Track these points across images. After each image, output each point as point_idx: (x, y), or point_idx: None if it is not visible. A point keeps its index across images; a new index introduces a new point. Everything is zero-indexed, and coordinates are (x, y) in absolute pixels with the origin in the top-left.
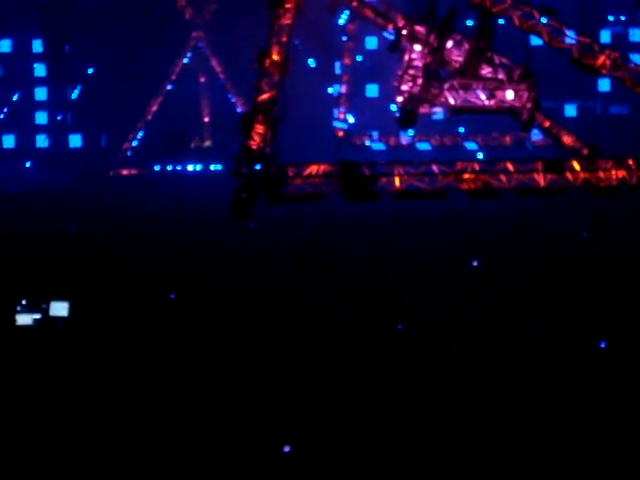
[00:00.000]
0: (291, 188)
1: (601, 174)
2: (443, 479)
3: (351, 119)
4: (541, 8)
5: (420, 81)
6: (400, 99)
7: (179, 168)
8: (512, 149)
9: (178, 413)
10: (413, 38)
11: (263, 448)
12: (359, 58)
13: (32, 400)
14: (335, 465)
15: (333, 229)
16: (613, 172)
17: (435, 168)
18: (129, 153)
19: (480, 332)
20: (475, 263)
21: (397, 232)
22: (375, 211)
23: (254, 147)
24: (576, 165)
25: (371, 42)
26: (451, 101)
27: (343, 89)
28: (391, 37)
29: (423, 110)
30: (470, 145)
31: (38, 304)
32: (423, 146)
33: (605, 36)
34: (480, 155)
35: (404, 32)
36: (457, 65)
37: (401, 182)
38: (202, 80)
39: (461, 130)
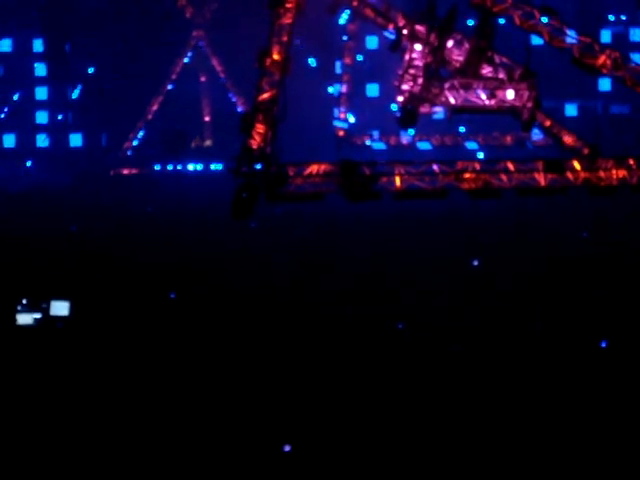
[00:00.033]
0: (291, 187)
1: (602, 174)
2: (443, 479)
3: (351, 119)
4: (542, 8)
5: (421, 80)
6: (401, 99)
7: (179, 167)
8: (513, 149)
9: (178, 412)
10: (414, 37)
11: (263, 447)
12: (360, 58)
13: (33, 399)
14: (335, 465)
15: (333, 229)
16: (614, 172)
17: (436, 168)
18: (129, 152)
19: (480, 332)
20: (475, 263)
21: (397, 232)
22: (375, 211)
23: (254, 146)
24: (577, 165)
25: (371, 42)
26: (452, 101)
27: (343, 89)
28: (392, 36)
29: (424, 110)
30: (471, 145)
31: (39, 303)
32: (424, 145)
33: (606, 36)
34: (481, 155)
35: (404, 31)
36: (458, 64)
37: (402, 182)
38: (202, 79)
39: (462, 130)
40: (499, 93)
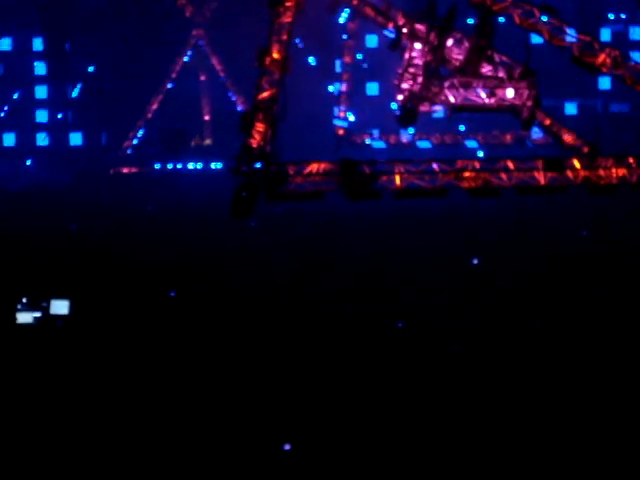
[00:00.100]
0: (291, 186)
1: (601, 172)
2: (443, 478)
3: (351, 117)
4: (541, 6)
5: (420, 79)
6: (400, 97)
7: (179, 166)
8: (512, 147)
9: (178, 411)
10: (413, 36)
11: (263, 446)
12: (359, 56)
13: (33, 398)
14: (335, 464)
15: (333, 227)
16: (613, 170)
17: (435, 166)
18: (129, 151)
19: (480, 330)
20: (475, 261)
21: (397, 230)
22: (375, 209)
23: (254, 145)
24: (576, 163)
25: (371, 40)
26: (451, 99)
27: (343, 87)
28: (391, 35)
29: (423, 108)
30: (470, 143)
31: (38, 302)
32: (423, 144)
33: (605, 34)
34: (480, 153)
35: (404, 30)
36: (457, 63)
37: (401, 180)
38: (202, 78)
39: (461, 128)
40: (499, 92)
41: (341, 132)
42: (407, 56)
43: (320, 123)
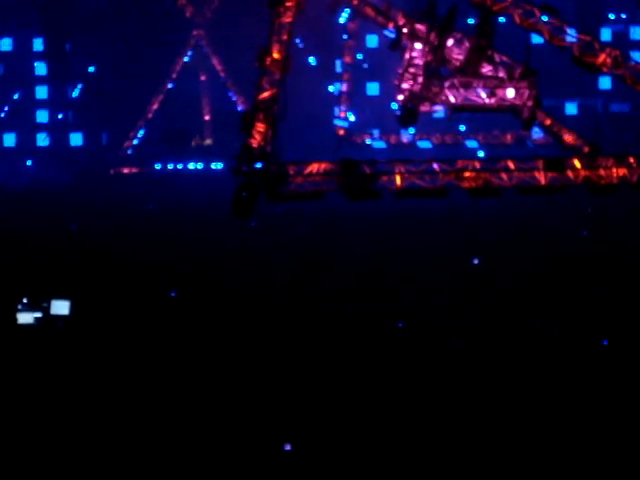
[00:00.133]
0: (292, 186)
1: (602, 172)
2: (444, 478)
3: (352, 117)
4: (542, 6)
5: (421, 79)
6: (401, 97)
7: (180, 167)
8: (513, 147)
9: (179, 411)
10: (414, 36)
11: (264, 446)
12: (360, 56)
13: (33, 399)
14: (336, 464)
15: (334, 227)
16: (614, 170)
17: (436, 166)
18: (130, 151)
19: (480, 330)
20: (476, 261)
21: (398, 230)
22: (376, 209)
23: (255, 145)
24: (577, 163)
25: (372, 40)
26: (452, 99)
27: (344, 87)
28: (392, 35)
29: (424, 108)
30: (471, 143)
31: (39, 303)
32: (424, 144)
33: (606, 34)
34: (481, 153)
35: (405, 30)
36: (458, 63)
37: (402, 180)
38: (203, 78)
39: (462, 128)
40: (499, 92)
41: (341, 132)
42: (407, 56)
43: (320, 123)
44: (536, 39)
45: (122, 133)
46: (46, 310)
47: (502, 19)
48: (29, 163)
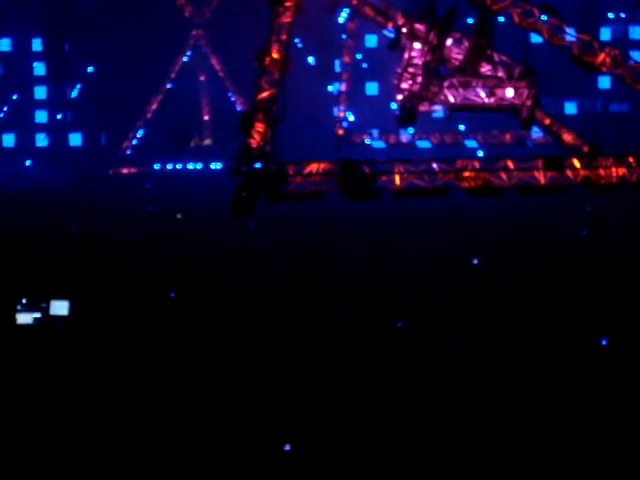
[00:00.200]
0: (291, 186)
1: (601, 172)
2: (444, 478)
3: (351, 117)
4: (541, 6)
5: (420, 79)
6: (400, 97)
7: (179, 167)
8: (512, 147)
9: (178, 411)
10: (413, 36)
11: (263, 446)
12: (359, 56)
13: (33, 399)
14: (336, 464)
15: (333, 227)
16: (613, 170)
17: (435, 166)
18: (129, 152)
19: (480, 330)
20: (475, 261)
21: (397, 230)
22: (375, 209)
23: (254, 145)
24: (576, 163)
25: (371, 40)
26: (451, 99)
27: (343, 87)
28: (391, 35)
29: (423, 108)
30: (470, 143)
31: (38, 303)
32: (423, 144)
33: (605, 34)
34: (480, 153)
35: (404, 30)
36: (457, 63)
37: (401, 180)
38: (202, 78)
39: (461, 128)
40: (498, 91)
41: (341, 132)
42: (407, 56)
43: (320, 123)
44: (535, 38)
45: (121, 133)
46: (45, 310)
47: (501, 18)
48: (28, 163)
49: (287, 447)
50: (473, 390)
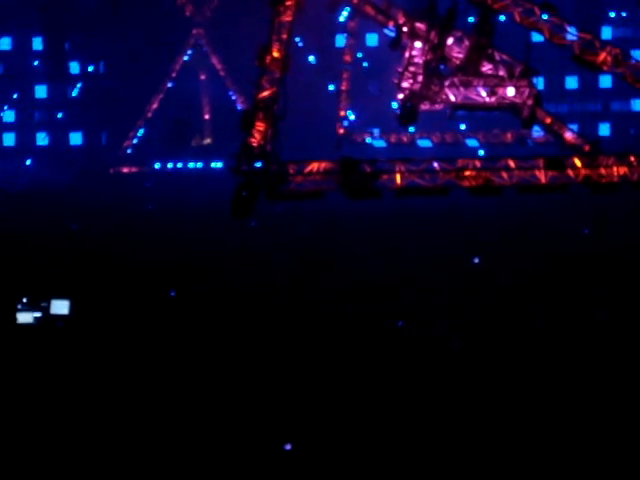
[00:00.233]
0: (292, 186)
1: (602, 171)
2: (444, 478)
3: (352, 116)
4: (542, 4)
5: (421, 78)
6: (401, 96)
7: (180, 166)
8: (513, 146)
9: (179, 411)
10: (414, 35)
11: (264, 446)
12: (359, 55)
13: (33, 398)
14: (336, 464)
15: (334, 227)
16: (614, 169)
17: (436, 165)
18: (129, 151)
19: (480, 330)
20: (476, 260)
21: (398, 229)
22: (376, 208)
23: (255, 144)
24: (577, 162)
25: (372, 39)
26: (452, 98)
27: (344, 86)
28: (392, 34)
29: (424, 107)
30: (471, 142)
31: (39, 302)
32: (424, 143)
33: (606, 33)
34: (481, 152)
35: (405, 29)
36: (458, 62)
37: (402, 179)
38: (202, 77)
39: (462, 127)
40: (499, 90)
41: (341, 131)
42: (407, 55)
43: (320, 122)
44: (536, 37)
45: (122, 132)
46: (46, 310)
47: (502, 17)
48: (28, 162)
49: (288, 447)
50: (473, 390)
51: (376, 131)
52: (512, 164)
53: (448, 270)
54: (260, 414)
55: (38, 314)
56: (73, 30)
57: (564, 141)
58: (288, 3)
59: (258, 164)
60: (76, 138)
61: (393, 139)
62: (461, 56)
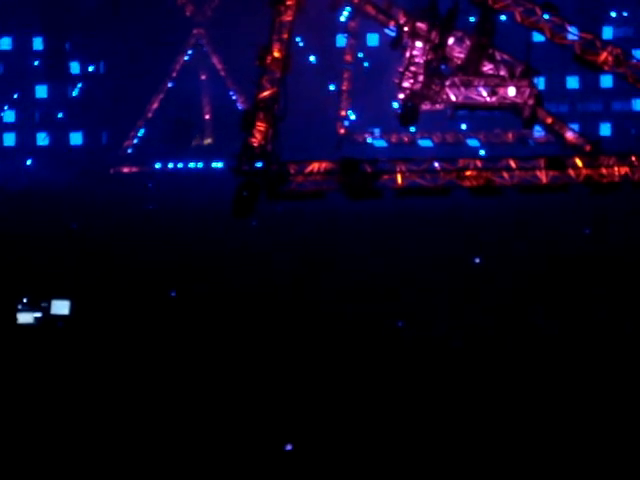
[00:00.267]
0: (292, 186)
1: (603, 171)
2: (444, 478)
3: (352, 116)
4: (543, 4)
5: (421, 78)
6: (402, 96)
7: (180, 166)
8: (514, 146)
9: (179, 411)
10: (414, 35)
11: (264, 446)
12: (360, 55)
13: (33, 399)
14: (336, 464)
15: (334, 227)
16: (616, 169)
17: (437, 165)
18: (130, 151)
19: (480, 330)
20: (477, 260)
21: (398, 229)
22: (376, 208)
23: (255, 144)
24: (578, 162)
25: (372, 39)
26: (452, 98)
27: (344, 86)
28: (392, 34)
29: (424, 107)
30: (472, 142)
31: (39, 302)
32: (425, 143)
33: (607, 33)
34: (482, 152)
35: (406, 29)
36: (459, 62)
37: (403, 179)
38: (203, 77)
39: (463, 127)
40: (500, 90)
41: (342, 131)
42: (408, 55)
43: (321, 122)
44: (537, 37)
45: (122, 132)
46: (46, 310)
47: (503, 17)
48: (29, 162)
49: (288, 447)
50: (473, 390)
51: (377, 131)
52: (513, 164)
53: (448, 270)
54: (260, 414)
55: (38, 314)
56: (73, 30)
57: (565, 141)
58: (289, 3)
59: (259, 164)
60: (76, 138)
61: (394, 139)
62: (462, 56)
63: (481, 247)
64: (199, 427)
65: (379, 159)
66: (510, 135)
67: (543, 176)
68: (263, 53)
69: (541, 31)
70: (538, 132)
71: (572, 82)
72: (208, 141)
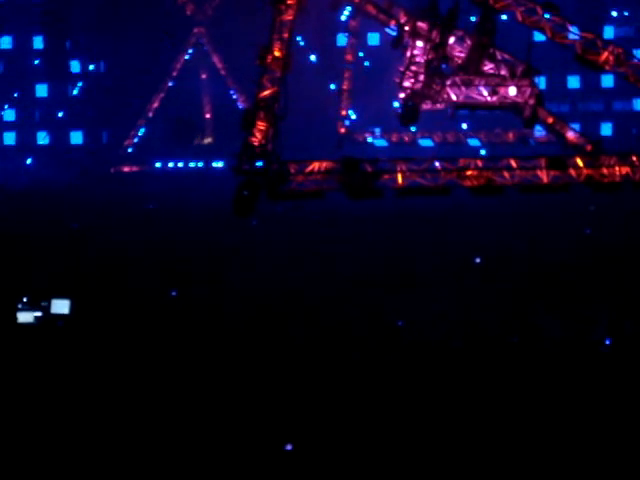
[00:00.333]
0: (293, 185)
1: (604, 170)
2: (444, 478)
3: (353, 116)
4: (544, 4)
5: (422, 77)
6: (402, 95)
7: (180, 165)
8: (515, 146)
9: (179, 412)
10: (415, 34)
11: (265, 447)
12: (361, 54)
13: (33, 398)
14: (336, 463)
15: (334, 226)
16: (617, 168)
17: (438, 165)
18: (130, 150)
19: (481, 330)
20: (477, 260)
21: (399, 229)
22: (377, 208)
23: (256, 144)
24: (579, 161)
25: (373, 38)
26: (453, 97)
27: (345, 86)
28: (393, 33)
29: (425, 107)
30: (473, 142)
31: (39, 302)
32: (425, 142)
33: (609, 32)
34: (483, 152)
35: (406, 28)
36: (459, 61)
37: (403, 179)
38: (203, 76)
39: (464, 126)
40: (501, 90)
41: (343, 130)
42: (409, 54)
43: (321, 121)
44: (538, 37)
45: (123, 131)
46: (46, 309)
47: (504, 17)
48: (29, 161)
49: (288, 447)
50: (473, 390)
51: (377, 130)
52: (514, 164)
53: (448, 270)
54: (261, 414)
55: (38, 313)
56: (74, 29)
57: (566, 141)
58: (289, 2)
59: (259, 163)
60: (77, 137)
61: (394, 138)
62: (463, 55)
63: (482, 247)
64: (199, 427)
65: (380, 158)
66: (511, 135)
67: (544, 176)
68: (264, 52)
69: (542, 31)
70: (539, 132)
71: (573, 82)
72: (208, 140)
